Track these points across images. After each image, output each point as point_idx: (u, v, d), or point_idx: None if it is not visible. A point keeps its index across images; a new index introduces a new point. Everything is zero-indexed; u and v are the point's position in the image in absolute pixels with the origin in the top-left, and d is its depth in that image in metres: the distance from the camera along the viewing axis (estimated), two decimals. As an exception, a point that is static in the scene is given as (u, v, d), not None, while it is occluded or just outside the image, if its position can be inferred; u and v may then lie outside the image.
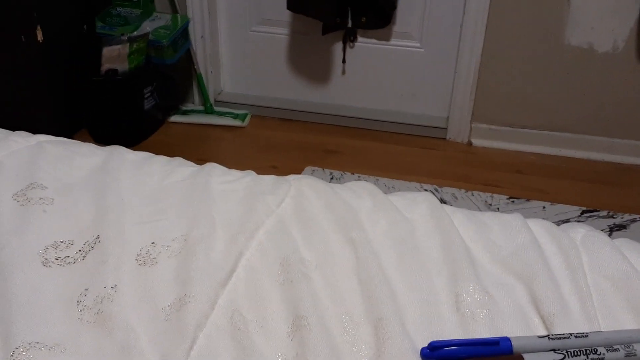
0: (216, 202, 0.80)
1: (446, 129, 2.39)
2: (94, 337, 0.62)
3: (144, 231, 0.75)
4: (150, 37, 2.25)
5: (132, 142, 2.29)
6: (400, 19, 2.31)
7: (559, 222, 0.86)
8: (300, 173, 2.03)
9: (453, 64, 2.30)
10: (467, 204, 1.99)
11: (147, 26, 2.29)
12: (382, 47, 2.38)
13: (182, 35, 2.35)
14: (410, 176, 2.14)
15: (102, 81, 2.18)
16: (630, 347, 0.60)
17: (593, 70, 2.15)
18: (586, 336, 0.61)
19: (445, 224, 0.78)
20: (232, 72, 2.60)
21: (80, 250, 0.72)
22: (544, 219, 0.84)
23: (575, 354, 0.59)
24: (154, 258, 0.71)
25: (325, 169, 2.17)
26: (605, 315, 0.67)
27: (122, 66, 2.18)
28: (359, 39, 2.38)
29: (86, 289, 0.67)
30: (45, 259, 0.70)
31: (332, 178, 2.12)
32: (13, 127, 0.99)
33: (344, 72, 2.46)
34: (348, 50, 2.41)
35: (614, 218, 1.93)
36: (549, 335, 0.62)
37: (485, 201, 2.01)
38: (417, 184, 2.10)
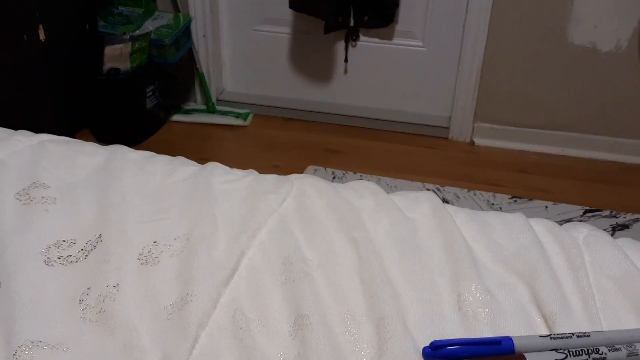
0: (218, 201, 0.80)
1: (448, 128, 2.38)
2: (96, 336, 0.62)
3: (146, 230, 0.75)
4: (153, 36, 2.25)
5: (134, 141, 2.29)
6: (402, 18, 2.31)
7: (562, 222, 0.86)
8: (302, 172, 2.03)
9: (456, 63, 2.30)
10: (470, 203, 1.99)
11: (149, 25, 2.30)
12: (384, 46, 2.38)
13: (184, 34, 2.35)
14: (413, 175, 2.14)
15: (104, 80, 2.18)
16: (633, 346, 0.60)
17: (596, 69, 2.15)
18: (588, 336, 0.61)
19: (448, 224, 0.78)
20: (234, 71, 2.60)
21: (82, 250, 0.72)
22: (546, 218, 0.84)
23: (577, 353, 0.59)
24: (156, 257, 0.71)
25: (327, 169, 2.17)
26: (607, 315, 0.67)
27: (124, 65, 2.18)
28: (361, 38, 2.38)
29: (88, 288, 0.67)
30: (48, 258, 0.70)
31: (334, 177, 2.12)
32: (15, 127, 0.99)
33: (346, 71, 2.46)
34: (350, 49, 2.41)
35: (616, 218, 1.93)
36: (550, 334, 0.62)
37: (488, 201, 2.01)
38: (420, 184, 2.10)
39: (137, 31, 2.27)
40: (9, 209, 0.76)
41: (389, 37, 2.36)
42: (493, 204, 1.99)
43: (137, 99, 2.27)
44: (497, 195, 2.04)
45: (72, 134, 2.19)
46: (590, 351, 0.59)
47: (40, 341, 0.61)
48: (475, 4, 2.13)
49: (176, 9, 2.39)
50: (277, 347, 0.62)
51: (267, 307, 0.66)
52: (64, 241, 0.73)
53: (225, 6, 2.46)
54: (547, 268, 0.71)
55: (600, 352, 0.59)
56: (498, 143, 2.35)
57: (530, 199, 2.02)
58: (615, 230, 1.87)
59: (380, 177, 2.11)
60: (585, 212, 1.96)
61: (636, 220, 1.92)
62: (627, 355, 0.60)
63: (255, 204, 0.80)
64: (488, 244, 0.77)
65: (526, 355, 0.59)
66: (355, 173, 2.15)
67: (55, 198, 0.79)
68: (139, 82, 2.25)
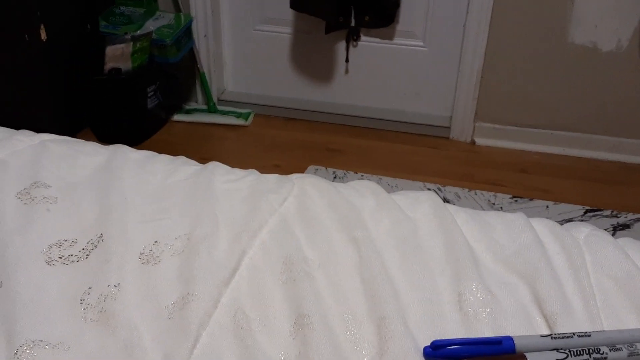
0: (219, 201, 0.80)
1: (449, 128, 2.38)
2: (97, 336, 0.62)
3: (147, 230, 0.75)
4: (154, 36, 2.25)
5: (136, 141, 2.29)
6: (403, 18, 2.31)
7: (563, 222, 0.86)
8: (303, 172, 2.03)
9: (456, 63, 2.30)
10: (470, 203, 1.99)
11: (150, 25, 2.30)
12: (385, 46, 2.38)
13: (186, 34, 2.35)
14: (414, 175, 2.14)
15: (106, 80, 2.18)
16: (634, 346, 0.60)
17: (597, 69, 2.15)
18: (589, 335, 0.61)
19: (448, 223, 0.78)
20: (235, 71, 2.60)
21: (83, 249, 0.72)
22: (547, 218, 0.84)
23: (578, 353, 0.59)
24: (157, 257, 0.71)
25: (328, 168, 2.17)
26: (608, 315, 0.67)
27: (126, 65, 2.18)
28: (362, 37, 2.38)
29: (89, 288, 0.67)
30: (49, 257, 0.70)
31: (335, 177, 2.12)
32: (16, 126, 0.99)
33: (347, 71, 2.46)
34: (351, 49, 2.41)
35: (617, 217, 1.93)
36: (551, 334, 0.62)
37: (489, 200, 2.01)
38: (420, 183, 2.10)
39: (138, 31, 2.27)
40: (10, 209, 0.76)
41: (390, 37, 2.36)
42: (494, 204, 1.99)
43: (138, 99, 2.27)
44: (498, 195, 2.04)
45: (73, 134, 2.19)
46: (591, 351, 0.59)
47: (41, 341, 0.61)
48: (476, 4, 2.13)
49: (177, 9, 2.39)
50: (278, 346, 0.62)
51: (268, 307, 0.66)
52: (65, 241, 0.73)
53: (226, 6, 2.46)
54: (548, 268, 0.71)
55: (601, 351, 0.59)
56: (499, 143, 2.35)
57: (531, 199, 2.02)
58: (616, 230, 1.87)
59: (381, 177, 2.12)
60: (586, 211, 1.96)
61: (637, 220, 1.92)
62: (628, 355, 0.60)
63: (257, 203, 0.80)
64: (489, 244, 0.77)
65: (527, 355, 0.59)
66: (356, 173, 2.15)
67: (56, 198, 0.79)
68: (140, 82, 2.25)
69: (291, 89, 2.54)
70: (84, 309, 0.65)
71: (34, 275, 0.68)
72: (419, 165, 2.22)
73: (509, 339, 0.61)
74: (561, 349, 0.60)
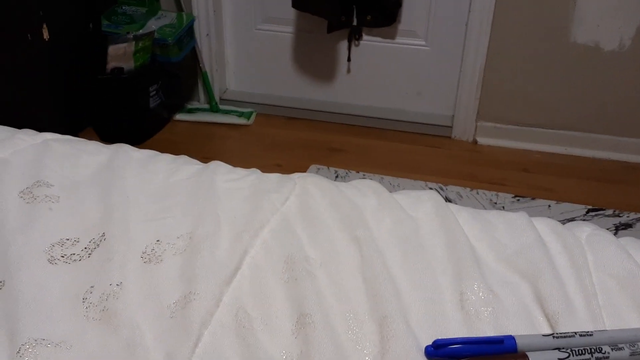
0: (221, 200, 0.80)
1: (451, 127, 2.38)
2: (99, 334, 0.63)
3: (149, 229, 0.75)
4: (156, 35, 2.25)
5: (138, 140, 2.29)
6: (405, 17, 2.31)
7: (565, 221, 0.86)
8: (305, 171, 2.03)
9: (458, 63, 2.30)
10: (472, 202, 1.99)
11: (152, 24, 2.30)
12: (387, 46, 2.38)
13: (188, 33, 2.35)
14: (415, 174, 2.14)
15: (108, 79, 2.19)
16: (636, 345, 0.60)
17: (599, 68, 2.15)
18: (591, 335, 0.61)
19: (450, 223, 0.78)
20: (238, 71, 2.60)
21: (86, 248, 0.72)
22: (549, 217, 0.84)
23: (580, 352, 0.59)
24: (159, 256, 0.72)
25: (330, 167, 2.17)
26: (610, 314, 0.67)
27: (128, 64, 2.19)
28: (364, 37, 2.38)
29: (92, 287, 0.67)
30: (51, 256, 0.71)
31: (337, 176, 2.12)
32: (19, 125, 0.99)
33: (349, 70, 2.46)
34: (353, 48, 2.41)
35: (619, 217, 1.93)
36: (553, 333, 0.62)
37: (490, 200, 2.01)
38: (422, 183, 2.10)
39: (140, 30, 2.27)
40: (13, 208, 0.77)
41: (392, 37, 2.36)
42: (496, 203, 1.99)
43: (141, 98, 2.27)
44: (500, 194, 2.04)
45: (75, 133, 2.20)
46: (593, 350, 0.59)
47: (43, 339, 0.61)
48: (478, 3, 2.13)
49: (179, 9, 2.39)
50: (279, 345, 0.62)
51: (270, 306, 0.66)
52: (68, 240, 0.73)
53: (228, 5, 2.46)
54: (549, 267, 0.71)
55: (603, 351, 0.59)
56: (501, 142, 2.35)
57: (533, 198, 2.02)
58: (618, 229, 1.87)
59: (383, 176, 2.11)
60: (588, 211, 1.96)
61: (639, 219, 1.91)
62: (630, 355, 0.60)
63: (258, 202, 0.80)
64: (491, 243, 0.77)
65: (529, 354, 0.59)
66: (358, 172, 2.15)
67: (58, 197, 0.79)
68: (143, 81, 2.25)
69: (293, 88, 2.54)
70: (86, 307, 0.65)
71: (37, 274, 0.68)
72: (420, 165, 2.22)
73: (511, 338, 0.61)
74: (563, 348, 0.60)
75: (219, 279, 0.68)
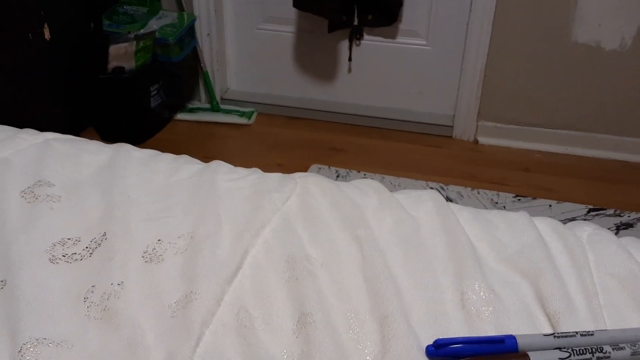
0: (222, 199, 0.80)
1: (452, 127, 2.38)
2: (100, 334, 0.63)
3: (150, 228, 0.75)
4: (157, 35, 2.26)
5: (139, 139, 2.29)
6: (406, 17, 2.31)
7: (565, 221, 0.86)
8: (306, 171, 2.03)
9: (459, 62, 2.30)
10: (473, 202, 1.99)
11: (153, 24, 2.30)
12: (388, 45, 2.38)
13: (189, 33, 2.35)
14: (416, 174, 2.14)
15: (109, 79, 2.19)
16: (637, 345, 0.60)
17: (601, 68, 2.14)
18: (592, 334, 0.61)
19: (451, 222, 0.78)
20: (239, 70, 2.60)
21: (87, 247, 0.72)
22: (550, 217, 0.84)
23: (581, 352, 0.59)
24: (160, 255, 0.72)
25: (331, 167, 2.17)
26: (611, 314, 0.67)
27: (129, 64, 2.19)
28: (365, 36, 2.38)
29: (93, 286, 0.67)
30: (53, 255, 0.71)
31: (338, 176, 2.12)
32: (20, 125, 1.00)
33: (350, 70, 2.46)
34: (354, 48, 2.41)
35: (620, 216, 1.93)
36: (554, 333, 0.62)
37: (491, 199, 2.01)
38: (423, 182, 2.10)
39: (141, 30, 2.27)
40: (14, 207, 0.77)
41: (393, 36, 2.36)
42: (497, 203, 1.99)
43: (142, 98, 2.27)
44: (501, 193, 2.04)
45: (77, 133, 2.20)
46: (594, 350, 0.59)
47: (45, 338, 0.61)
48: (479, 3, 2.13)
49: (180, 8, 2.39)
50: (280, 345, 0.63)
51: (271, 305, 0.66)
52: (69, 239, 0.73)
53: (229, 5, 2.46)
54: (550, 267, 0.71)
55: (604, 351, 0.59)
56: (502, 142, 2.35)
57: (534, 198, 2.01)
58: (619, 229, 1.87)
59: (384, 176, 2.11)
60: (589, 210, 1.96)
61: (641, 219, 1.91)
62: (631, 355, 0.60)
63: (259, 202, 0.80)
64: (492, 243, 0.77)
65: (530, 353, 0.59)
66: (359, 172, 2.15)
67: (60, 196, 0.79)
68: (144, 80, 2.26)
69: (294, 87, 2.54)
70: (88, 307, 0.65)
71: (38, 273, 0.68)
72: (421, 164, 2.22)
73: (512, 337, 0.61)
74: (564, 347, 0.60)
75: (220, 278, 0.68)
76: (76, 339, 0.62)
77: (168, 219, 0.77)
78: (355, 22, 2.32)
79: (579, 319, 0.65)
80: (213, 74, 2.50)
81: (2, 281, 0.67)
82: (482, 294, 0.68)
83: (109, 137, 2.27)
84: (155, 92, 2.30)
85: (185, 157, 0.94)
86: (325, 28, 2.32)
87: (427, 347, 0.61)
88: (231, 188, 0.83)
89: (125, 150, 0.91)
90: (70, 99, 2.23)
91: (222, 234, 0.74)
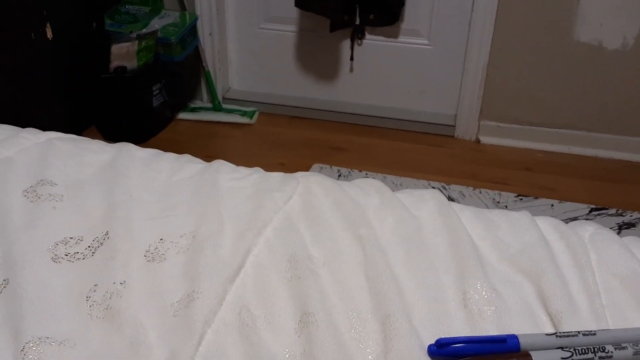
0: (224, 199, 0.80)
1: (454, 126, 2.38)
2: (103, 333, 0.63)
3: (152, 227, 0.75)
4: (159, 34, 2.26)
5: (141, 139, 2.29)
6: (408, 16, 2.31)
7: (568, 220, 0.86)
8: (308, 170, 2.03)
9: (461, 62, 2.30)
10: (475, 201, 1.99)
11: (155, 24, 2.30)
12: (390, 45, 2.38)
13: (191, 32, 2.35)
14: (418, 173, 2.14)
15: (111, 78, 2.19)
16: (639, 345, 0.60)
17: (603, 67, 2.14)
18: (594, 334, 0.61)
19: (453, 222, 0.78)
20: (240, 70, 2.61)
21: (89, 247, 0.72)
22: (552, 216, 0.84)
23: (583, 351, 0.59)
24: (163, 254, 0.72)
25: (332, 167, 2.17)
26: (613, 314, 0.67)
27: (131, 63, 2.19)
28: (367, 36, 2.38)
29: (95, 285, 0.67)
30: (55, 255, 0.71)
31: (339, 175, 2.12)
32: (23, 124, 1.00)
33: (351, 69, 2.46)
34: (356, 47, 2.41)
35: (622, 216, 1.92)
36: (556, 333, 0.62)
37: (493, 199, 2.01)
38: (425, 182, 2.10)
39: (143, 29, 2.27)
40: (17, 206, 0.77)
41: (395, 36, 2.36)
42: (499, 202, 1.99)
43: (144, 97, 2.27)
44: (503, 193, 2.03)
45: (79, 132, 2.20)
46: (596, 349, 0.59)
47: (47, 337, 0.61)
48: (481, 2, 2.13)
49: (182, 8, 2.40)
50: (282, 344, 0.63)
51: (273, 304, 0.66)
52: (71, 238, 0.73)
53: (231, 4, 2.47)
54: (553, 266, 0.71)
55: (606, 350, 0.59)
56: (504, 141, 2.34)
57: (536, 197, 2.01)
58: (621, 228, 1.87)
59: (386, 175, 2.11)
60: (591, 210, 1.95)
61: (643, 218, 1.91)
62: (634, 354, 0.60)
63: (261, 201, 0.80)
64: (494, 242, 0.77)
65: (532, 353, 0.59)
66: (361, 171, 2.15)
67: (62, 195, 0.79)
68: (146, 80, 2.26)
69: (296, 87, 2.55)
70: (90, 306, 0.65)
71: (40, 272, 0.68)
72: (423, 164, 2.22)
73: (514, 337, 0.61)
74: (566, 347, 0.60)
75: (222, 277, 0.68)
76: (78, 338, 0.62)
77: (170, 218, 0.77)
78: (357, 22, 2.32)
79: (581, 319, 0.65)
80: (215, 73, 2.50)
81: (4, 280, 0.67)
82: (484, 293, 0.68)
83: (111, 136, 2.28)
84: (157, 91, 2.30)
85: (187, 157, 0.94)
86: (327, 27, 2.32)
87: (429, 347, 0.61)
88: (233, 187, 0.83)
89: (128, 150, 0.91)
90: (73, 98, 2.23)
91: (224, 233, 0.74)
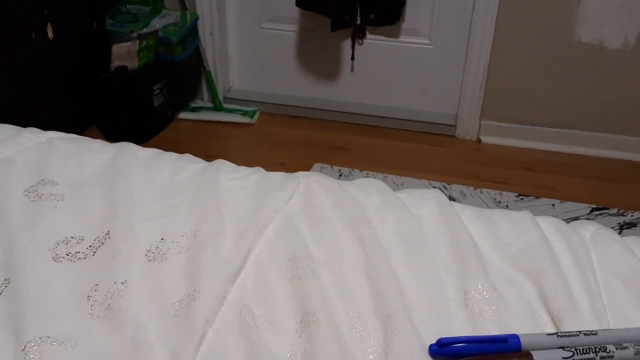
0: (225, 198, 0.80)
1: (455, 126, 2.38)
2: (104, 332, 0.63)
3: (153, 227, 0.75)
4: (160, 34, 2.26)
5: (142, 138, 2.29)
6: (409, 16, 2.30)
7: (569, 220, 0.86)
8: (308, 170, 2.03)
9: (462, 61, 2.30)
10: (476, 201, 1.99)
11: (156, 23, 2.30)
12: (391, 44, 2.37)
13: (191, 32, 2.35)
14: (419, 173, 2.14)
15: (112, 78, 2.19)
16: (640, 345, 0.60)
17: (604, 67, 2.14)
18: (595, 334, 0.61)
19: (454, 221, 0.78)
20: (241, 69, 2.61)
21: (90, 246, 0.72)
22: (553, 216, 0.84)
23: (585, 351, 0.59)
24: (164, 254, 0.72)
25: (333, 166, 2.17)
26: (614, 313, 0.67)
27: (132, 63, 2.19)
28: (368, 36, 2.38)
29: (96, 285, 0.68)
30: (56, 254, 0.71)
31: (340, 175, 2.12)
32: (24, 124, 1.00)
33: (352, 69, 2.46)
34: (357, 47, 2.41)
35: (624, 216, 1.92)
36: (557, 332, 0.62)
37: (494, 199, 2.01)
38: (426, 181, 2.09)
39: (144, 29, 2.27)
40: (18, 206, 0.77)
41: (396, 35, 2.36)
42: (499, 202, 1.98)
43: (145, 97, 2.27)
44: (504, 193, 2.03)
45: (80, 132, 2.20)
46: (597, 349, 0.59)
47: (48, 337, 0.61)
48: (482, 2, 2.13)
49: (183, 7, 2.40)
50: (283, 343, 0.63)
51: (274, 304, 0.66)
52: (72, 238, 0.73)
53: (232, 4, 2.47)
54: (554, 266, 0.71)
55: (607, 350, 0.59)
56: (505, 141, 2.34)
57: (537, 197, 2.01)
58: (622, 228, 1.87)
59: (387, 175, 2.11)
60: (593, 210, 1.95)
61: (644, 218, 1.91)
62: (635, 354, 0.60)
63: (262, 201, 0.80)
64: (495, 242, 0.77)
65: (533, 353, 0.59)
66: (362, 171, 2.15)
67: (63, 195, 0.79)
68: (147, 80, 2.26)
69: (297, 87, 2.55)
70: (91, 305, 0.65)
71: (41, 272, 0.68)
72: (424, 163, 2.22)
73: (515, 337, 0.61)
74: (567, 347, 0.60)
75: (223, 277, 0.68)
76: (80, 338, 0.62)
77: (171, 218, 0.77)
78: (358, 21, 2.32)
79: (582, 318, 0.65)
80: (216, 73, 2.50)
81: (5, 280, 0.68)
82: (485, 293, 0.68)
83: (112, 136, 2.28)
84: (158, 91, 2.30)
85: (188, 156, 0.94)
86: (328, 27, 2.32)
87: (430, 346, 0.61)
88: (234, 187, 0.83)
89: (129, 150, 0.92)
90: (73, 98, 2.23)
91: (225, 232, 0.74)
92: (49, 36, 2.04)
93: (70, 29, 2.15)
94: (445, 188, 2.05)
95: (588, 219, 1.90)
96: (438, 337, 0.63)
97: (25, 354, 0.59)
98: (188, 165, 0.89)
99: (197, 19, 2.36)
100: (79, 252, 0.71)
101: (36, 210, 0.76)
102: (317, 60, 2.48)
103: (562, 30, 2.11)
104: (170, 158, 0.91)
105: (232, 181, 0.85)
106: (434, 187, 2.00)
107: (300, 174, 0.89)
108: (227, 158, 0.96)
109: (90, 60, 2.20)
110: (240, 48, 2.55)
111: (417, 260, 0.73)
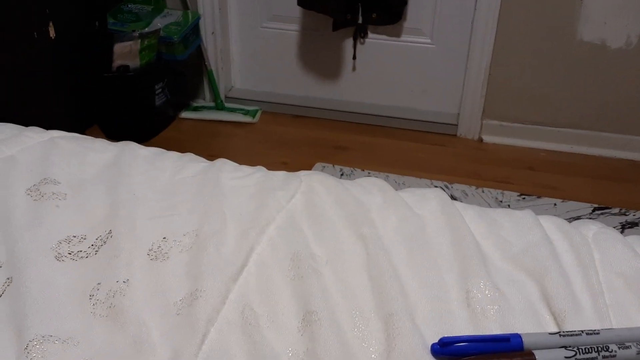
0: (227, 197, 0.80)
1: (457, 125, 2.38)
2: (106, 331, 0.63)
3: (155, 226, 0.75)
4: (162, 33, 2.26)
5: (144, 138, 2.30)
6: (410, 15, 2.30)
7: (571, 219, 0.86)
8: (310, 169, 2.03)
9: (464, 61, 2.30)
10: (478, 200, 1.99)
11: (158, 22, 2.30)
12: (392, 44, 2.37)
13: (193, 31, 2.35)
14: (421, 172, 2.14)
15: (114, 77, 2.19)
16: (642, 344, 0.60)
17: (606, 66, 2.14)
18: (598, 333, 0.61)
19: (456, 221, 0.78)
20: (243, 69, 2.61)
21: (92, 245, 0.72)
22: (555, 216, 0.83)
23: (587, 351, 0.59)
24: (166, 253, 0.72)
25: (335, 165, 2.17)
26: (617, 313, 0.67)
27: (134, 62, 2.19)
28: (370, 35, 2.38)
29: (98, 283, 0.68)
30: (58, 253, 0.71)
31: (342, 174, 2.12)
32: (26, 123, 1.00)
33: (354, 68, 2.46)
34: (358, 46, 2.41)
35: (626, 215, 1.92)
36: (560, 332, 0.62)
37: (496, 198, 2.00)
38: (428, 181, 2.09)
39: (146, 28, 2.27)
40: (20, 205, 0.77)
41: (397, 35, 2.35)
42: (501, 201, 1.98)
43: (146, 96, 2.27)
44: (506, 192, 2.03)
45: (82, 131, 2.20)
46: (599, 349, 0.59)
47: (51, 336, 0.61)
48: (484, 1, 2.12)
49: (185, 7, 2.40)
50: (285, 342, 0.63)
51: (276, 303, 0.66)
52: (75, 237, 0.73)
53: (233, 3, 2.47)
54: (556, 265, 0.71)
55: (609, 349, 0.59)
56: (506, 140, 2.34)
57: (539, 197, 2.01)
58: (624, 228, 1.86)
59: (389, 174, 2.11)
60: (595, 209, 1.95)
61: (646, 218, 1.91)
62: (637, 353, 0.59)
63: (264, 200, 0.80)
64: (497, 241, 0.76)
65: (535, 352, 0.59)
66: (363, 170, 2.15)
67: (65, 194, 0.79)
68: (148, 79, 2.26)
69: (299, 86, 2.55)
70: (93, 304, 0.65)
71: (44, 271, 0.68)
72: (426, 163, 2.22)
73: (517, 336, 0.61)
74: (569, 346, 0.60)
75: (225, 276, 0.68)
76: (82, 336, 0.62)
77: (173, 217, 0.77)
78: (360, 21, 2.32)
79: (584, 318, 0.65)
80: (217, 72, 2.50)
81: (8, 279, 0.68)
82: (487, 292, 0.68)
83: (114, 135, 2.28)
84: (159, 90, 2.30)
85: (190, 156, 0.94)
86: (329, 26, 2.32)
87: (432, 345, 0.61)
88: (236, 186, 0.83)
89: (131, 149, 0.92)
90: (75, 97, 2.23)
91: (227, 231, 0.74)
92: (51, 35, 2.04)
93: (72, 28, 2.15)
94: (447, 187, 2.05)
95: (590, 218, 1.90)
96: (440, 336, 0.63)
97: (28, 353, 0.59)
98: (190, 165, 0.89)
99: (198, 18, 2.36)
100: (81, 251, 0.72)
101: (38, 209, 0.76)
102: (319, 59, 2.48)
103: (564, 30, 2.11)
104: (172, 157, 0.91)
105: (234, 180, 0.85)
106: (436, 187, 2.00)
107: (302, 173, 0.89)
108: (229, 157, 0.96)
109: (92, 59, 2.20)
110: (242, 47, 2.55)
111: (419, 260, 0.73)
